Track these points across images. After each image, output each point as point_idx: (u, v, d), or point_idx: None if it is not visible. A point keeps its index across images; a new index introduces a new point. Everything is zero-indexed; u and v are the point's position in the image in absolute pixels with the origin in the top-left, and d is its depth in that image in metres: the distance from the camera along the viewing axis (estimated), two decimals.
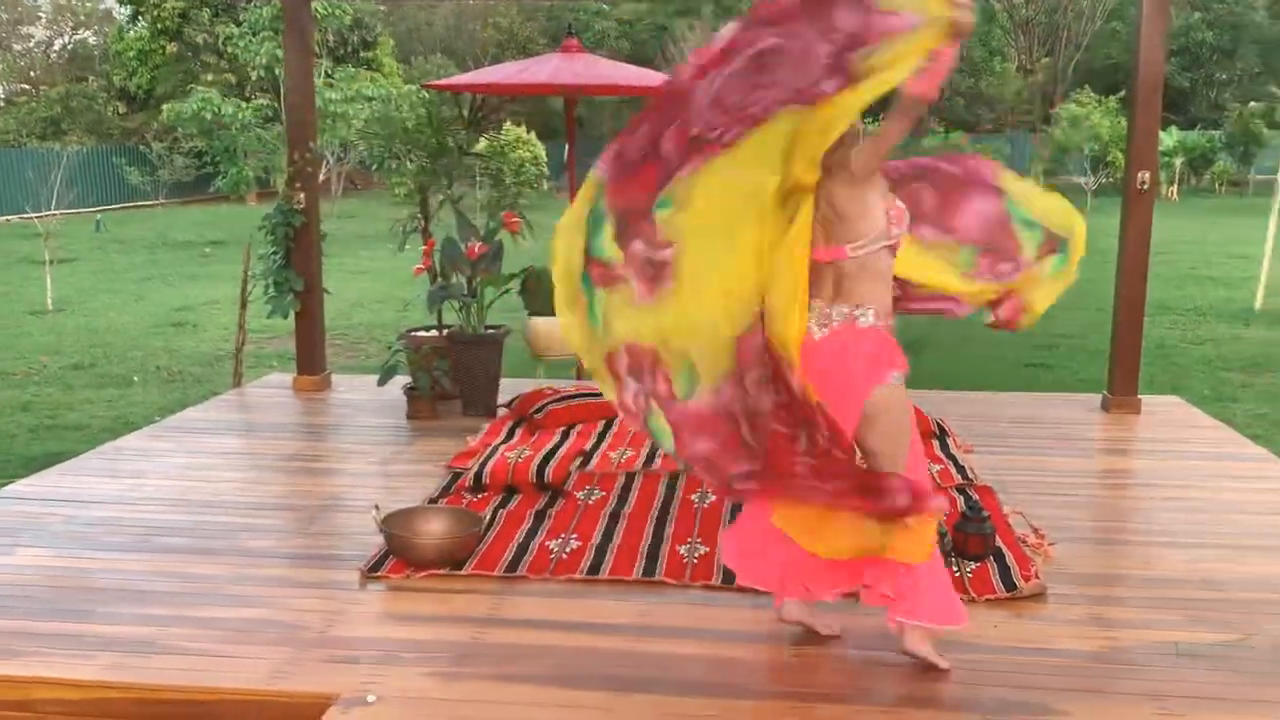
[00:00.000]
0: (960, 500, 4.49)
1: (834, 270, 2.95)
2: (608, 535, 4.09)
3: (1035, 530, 4.16)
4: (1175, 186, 28.23)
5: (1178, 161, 28.36)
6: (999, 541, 3.95)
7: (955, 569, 3.73)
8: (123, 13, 33.43)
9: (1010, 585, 3.62)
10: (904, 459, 3.00)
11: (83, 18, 43.34)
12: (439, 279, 6.23)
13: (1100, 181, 28.39)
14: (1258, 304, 11.78)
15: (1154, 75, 5.91)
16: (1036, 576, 3.69)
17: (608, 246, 2.77)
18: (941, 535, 3.81)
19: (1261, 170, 30.55)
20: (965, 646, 3.23)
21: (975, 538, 3.85)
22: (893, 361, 3.00)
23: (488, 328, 6.18)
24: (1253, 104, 30.57)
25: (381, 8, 34.51)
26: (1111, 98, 29.72)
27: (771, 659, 3.19)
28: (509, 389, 6.21)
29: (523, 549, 3.95)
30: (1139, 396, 6.12)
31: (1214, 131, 31.49)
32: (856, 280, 2.94)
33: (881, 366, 2.97)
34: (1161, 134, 5.69)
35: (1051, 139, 29.24)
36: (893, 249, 3.01)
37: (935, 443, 5.41)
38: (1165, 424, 5.90)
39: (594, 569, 3.79)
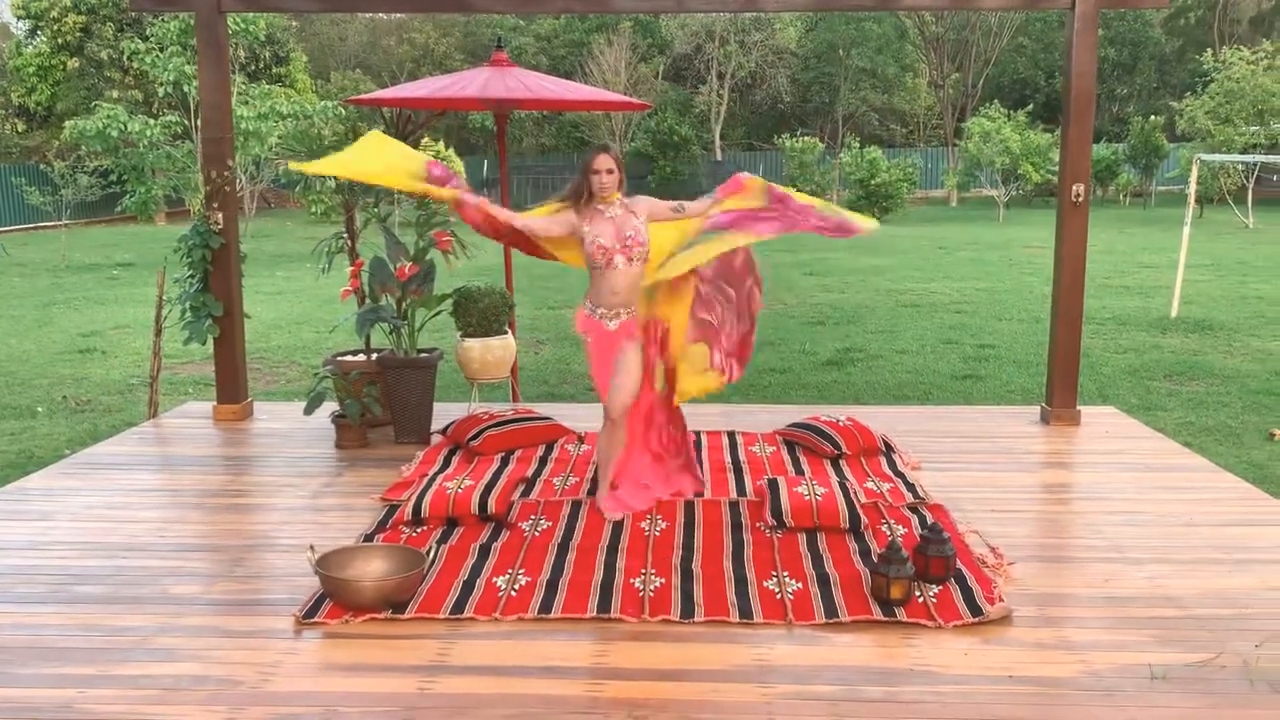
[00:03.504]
0: (914, 521, 4.42)
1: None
2: (557, 569, 3.91)
3: (993, 550, 4.09)
4: None
5: None
6: (959, 563, 3.87)
7: (918, 594, 3.64)
8: (21, 27, 32.21)
9: (975, 610, 3.53)
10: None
11: None
12: (368, 300, 5.99)
13: (1011, 194, 29.00)
14: (1173, 312, 12.02)
15: (1086, 89, 5.95)
16: (1000, 599, 3.62)
17: None
18: (903, 560, 3.71)
19: (1162, 181, 31.54)
20: (936, 677, 3.13)
21: (937, 560, 3.76)
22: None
23: (419, 351, 5.95)
24: (1153, 117, 31.48)
25: (294, 23, 33.85)
26: (1020, 112, 30.39)
27: (745, 700, 3.04)
28: (442, 414, 6.00)
29: (468, 587, 3.75)
30: (1078, 408, 6.15)
31: (1117, 144, 32.39)
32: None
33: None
34: None
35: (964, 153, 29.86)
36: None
37: (882, 460, 5.33)
38: (1105, 435, 5.91)
39: (545, 607, 3.60)
